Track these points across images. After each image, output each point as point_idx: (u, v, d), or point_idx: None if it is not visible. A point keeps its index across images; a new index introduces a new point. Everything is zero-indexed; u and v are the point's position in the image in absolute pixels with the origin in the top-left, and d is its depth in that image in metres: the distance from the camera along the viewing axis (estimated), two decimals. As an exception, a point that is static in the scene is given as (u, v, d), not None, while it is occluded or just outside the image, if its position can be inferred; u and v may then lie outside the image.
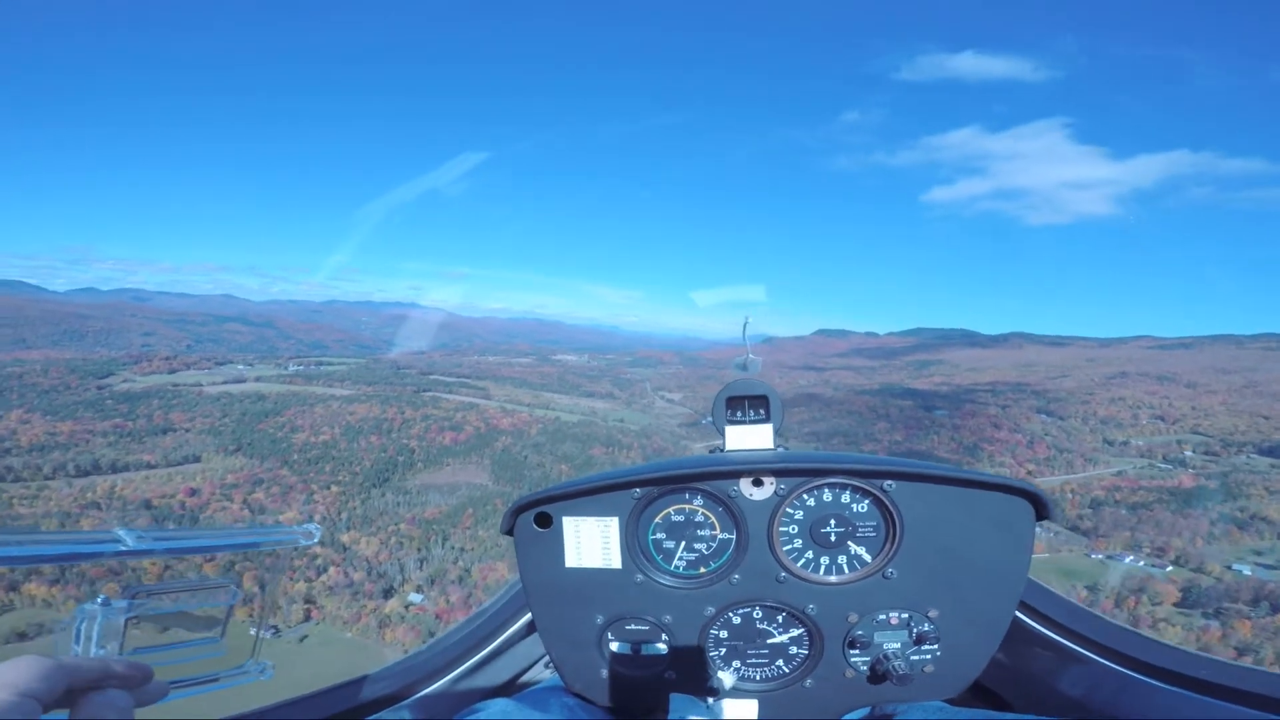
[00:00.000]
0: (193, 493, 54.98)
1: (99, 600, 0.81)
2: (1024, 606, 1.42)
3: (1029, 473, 53.63)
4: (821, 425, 72.49)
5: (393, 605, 40.92)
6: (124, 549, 0.79)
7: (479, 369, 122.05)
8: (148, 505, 50.79)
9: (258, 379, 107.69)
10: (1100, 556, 40.67)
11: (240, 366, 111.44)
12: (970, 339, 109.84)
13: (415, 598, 43.33)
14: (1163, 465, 55.99)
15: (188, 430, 76.79)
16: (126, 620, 0.83)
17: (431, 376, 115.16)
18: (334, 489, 61.42)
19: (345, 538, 50.09)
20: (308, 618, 39.92)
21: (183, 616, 0.93)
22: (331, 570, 44.93)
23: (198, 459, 67.83)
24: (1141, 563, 39.11)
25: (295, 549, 1.02)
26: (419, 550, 49.55)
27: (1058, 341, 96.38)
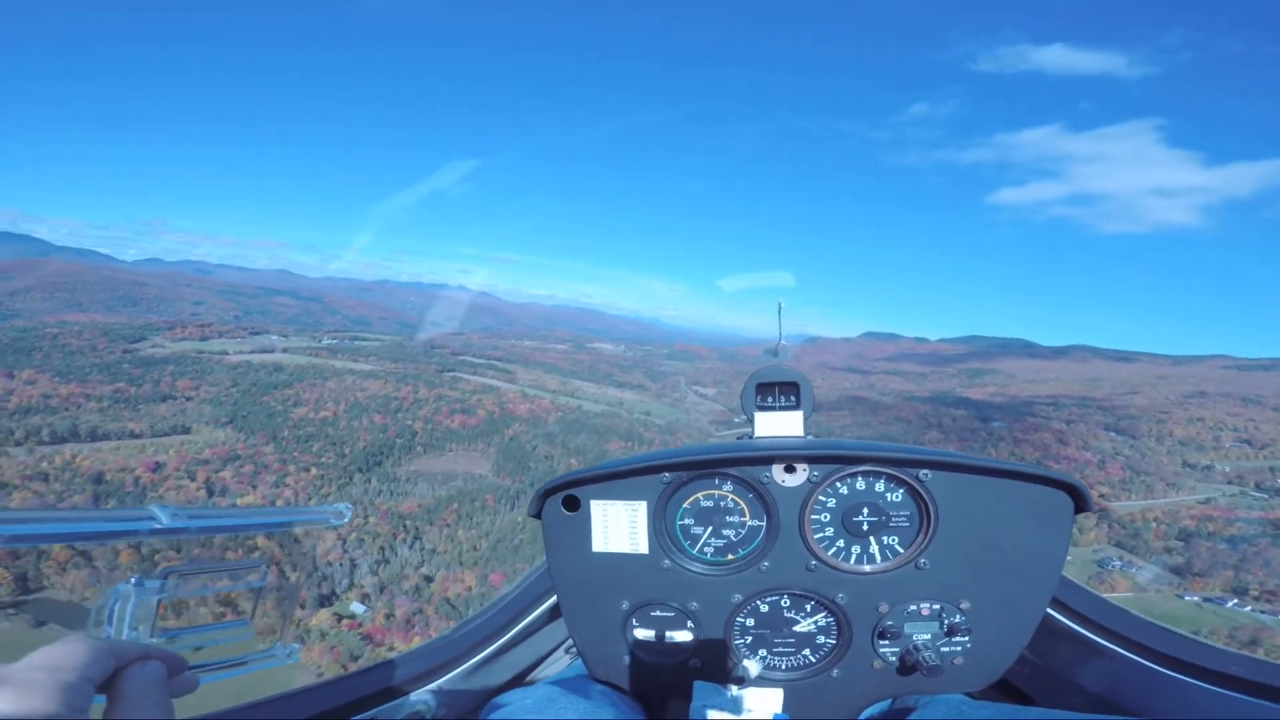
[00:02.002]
0: (155, 468, 50.11)
1: (132, 581, 0.81)
2: (1051, 600, 1.38)
3: (1102, 495, 48.88)
4: (867, 430, 67.82)
5: (322, 617, 33.76)
6: (159, 527, 0.80)
7: (512, 352, 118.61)
8: (98, 480, 45.95)
9: (285, 350, 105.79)
10: (1196, 599, 34.62)
11: (274, 337, 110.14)
12: (1028, 349, 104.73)
13: (357, 608, 36.17)
14: (1256, 494, 49.95)
15: (189, 399, 73.59)
16: (159, 602, 0.83)
17: (461, 357, 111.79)
18: (312, 471, 55.64)
19: (300, 529, 44.03)
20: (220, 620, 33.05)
21: (214, 598, 0.94)
22: (270, 569, 38.93)
23: (187, 430, 63.95)
24: (1249, 608, 33.27)
25: (327, 528, 1.04)
26: (381, 550, 42.93)
27: (1124, 356, 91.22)
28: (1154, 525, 42.81)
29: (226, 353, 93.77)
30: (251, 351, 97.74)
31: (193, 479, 49.38)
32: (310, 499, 50.45)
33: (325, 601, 36.54)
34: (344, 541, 43.89)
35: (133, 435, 59.38)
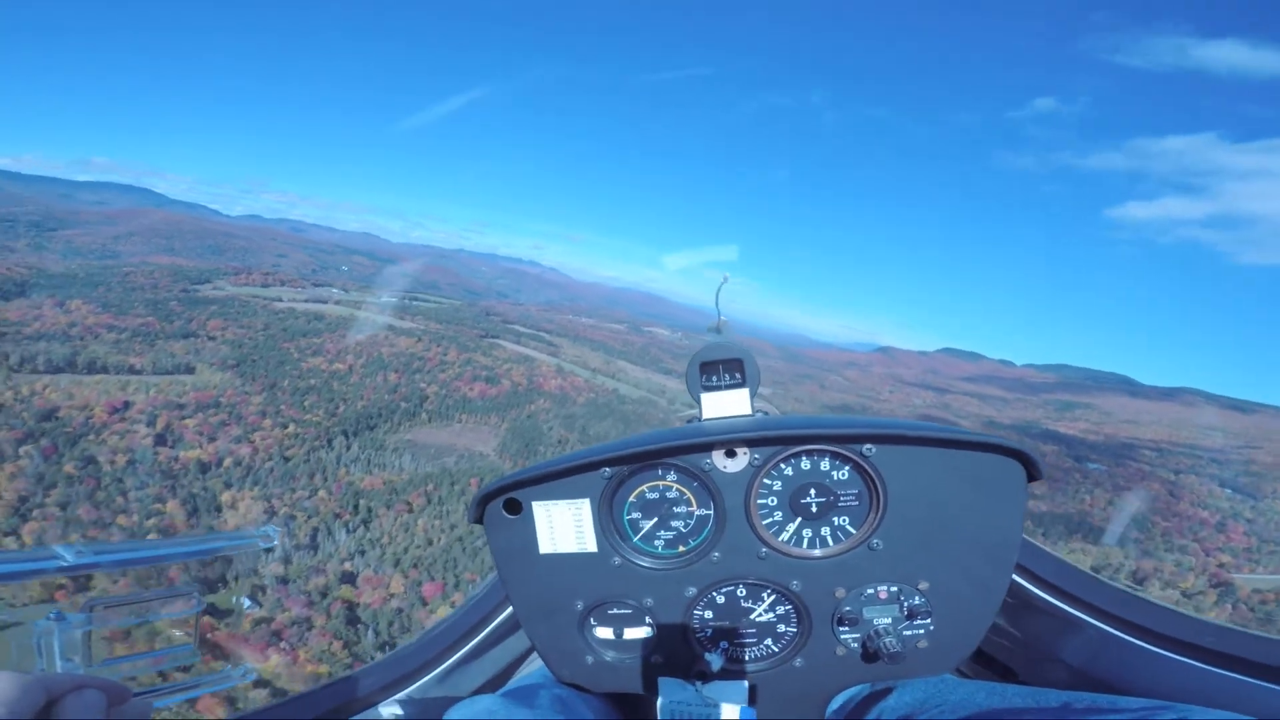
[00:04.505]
0: (118, 409, 45.74)
1: (52, 615, 0.80)
2: (1022, 570, 1.39)
3: (1222, 565, 41.88)
4: None
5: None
6: (64, 565, 0.79)
7: (566, 327, 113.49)
8: (48, 416, 41.81)
9: (338, 302, 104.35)
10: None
11: (334, 290, 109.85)
12: (1129, 386, 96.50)
13: (246, 602, 28.88)
14: None
15: (211, 339, 71.07)
16: (85, 634, 0.82)
17: (511, 325, 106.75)
18: (289, 429, 49.92)
19: (226, 495, 37.78)
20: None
21: (148, 626, 0.94)
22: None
23: (191, 370, 60.65)
24: None
25: (255, 553, 0.92)
26: (313, 531, 35.99)
27: (1242, 406, 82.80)
28: (1293, 609, 35.59)
29: (280, 300, 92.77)
30: (305, 301, 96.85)
31: (152, 425, 44.68)
32: (266, 461, 44.62)
33: (213, 586, 29.44)
34: (272, 515, 37.44)
35: (131, 370, 56.40)
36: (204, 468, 40.96)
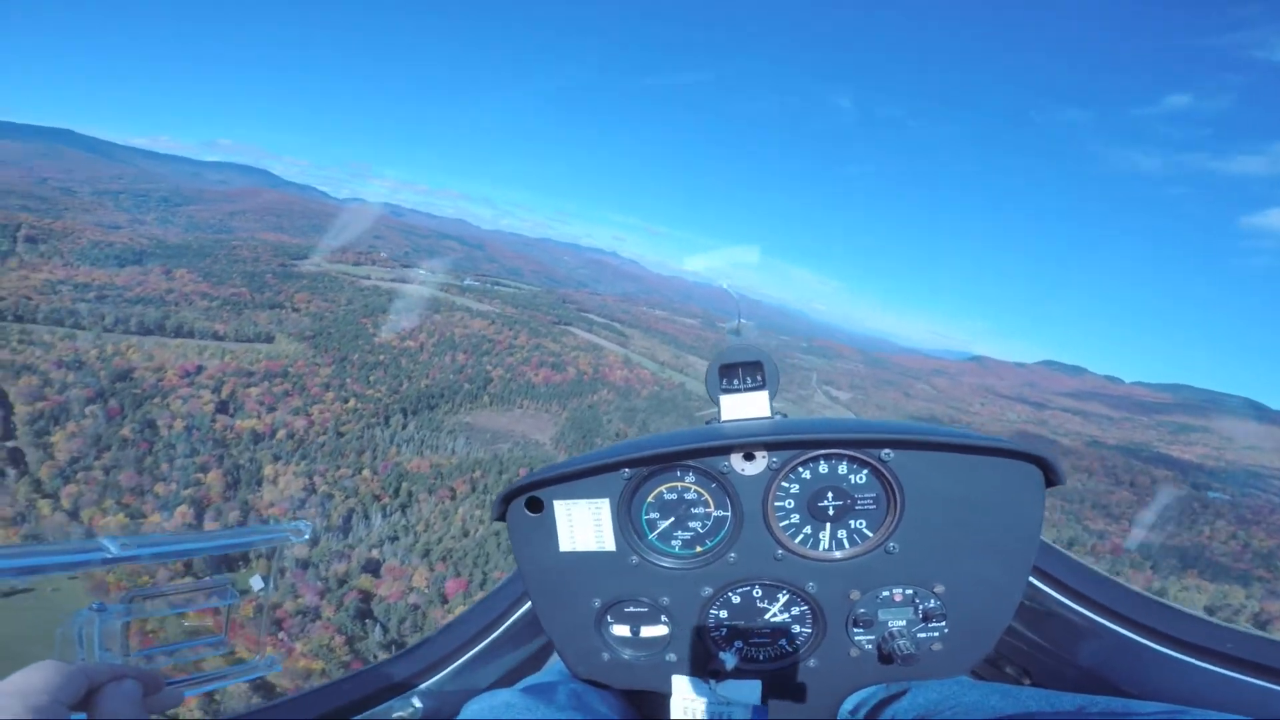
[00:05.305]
0: (190, 373, 46.19)
1: (94, 606, 0.83)
2: (1039, 573, 1.39)
3: None
4: None
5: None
6: (108, 557, 0.81)
7: (637, 318, 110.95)
8: (123, 376, 42.55)
9: (421, 283, 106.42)
10: None
11: (421, 271, 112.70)
12: (1255, 410, 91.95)
13: (258, 583, 26.77)
14: None
15: (296, 310, 72.99)
16: (124, 624, 0.86)
17: (585, 314, 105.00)
18: (350, 403, 48.99)
19: (270, 469, 36.43)
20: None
21: (183, 617, 0.99)
22: (179, 512, 31.48)
23: (271, 339, 61.99)
24: None
25: (287, 545, 1.07)
26: (348, 514, 33.87)
27: None
28: None
29: (368, 278, 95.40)
30: (391, 280, 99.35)
31: (217, 392, 44.73)
32: (322, 434, 43.51)
33: (233, 565, 27.52)
34: (311, 493, 35.76)
35: (215, 336, 58.04)
36: (257, 438, 40.43)
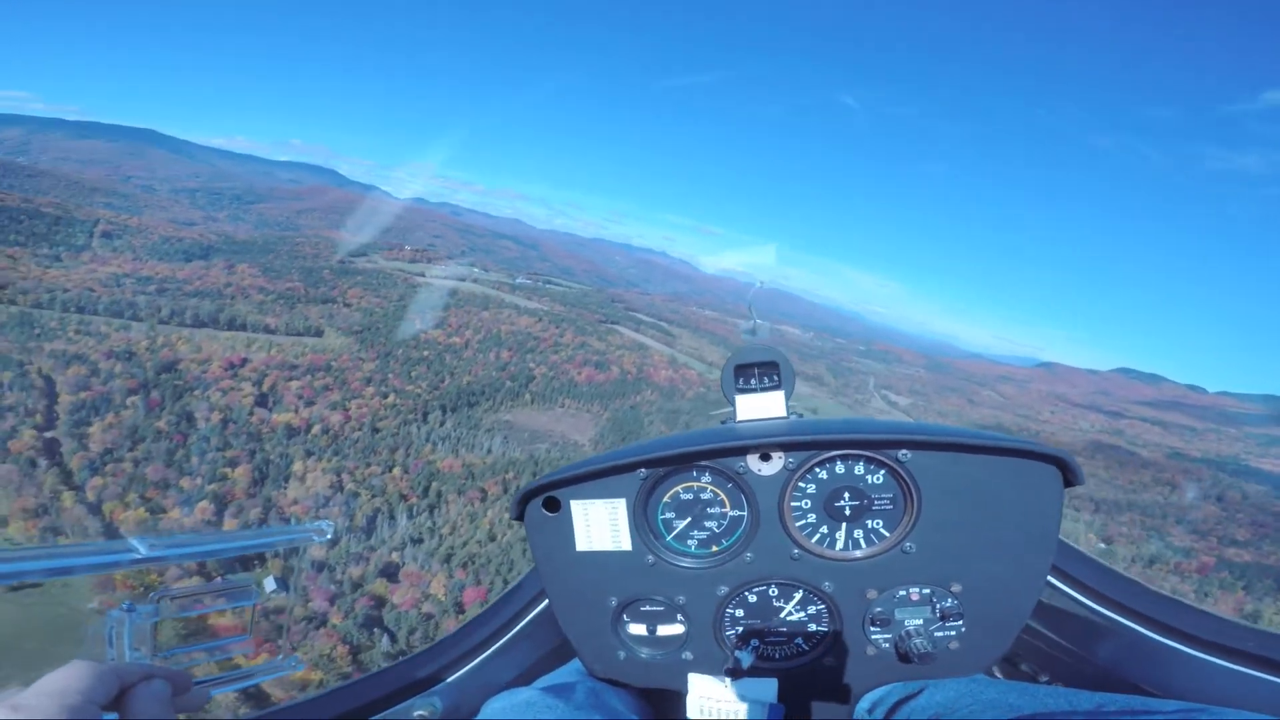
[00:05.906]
0: (235, 364, 46.14)
1: (124, 606, 0.85)
2: (1057, 572, 1.40)
3: None
4: (1107, 491, 53.06)
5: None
6: (138, 557, 0.83)
7: (686, 317, 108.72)
8: (169, 368, 42.72)
9: (475, 280, 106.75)
10: None
11: (475, 269, 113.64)
12: None
13: (271, 584, 25.84)
14: None
15: (348, 305, 73.52)
16: (153, 625, 0.87)
17: (634, 313, 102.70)
18: (390, 398, 47.93)
19: (299, 465, 35.25)
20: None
21: (209, 617, 1.01)
22: (199, 508, 30.47)
23: (320, 333, 62.25)
24: None
25: (308, 546, 1.07)
26: (373, 514, 32.19)
27: None
28: None
29: (423, 275, 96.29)
30: (443, 277, 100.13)
31: (258, 385, 44.42)
32: (358, 429, 42.40)
33: (248, 564, 26.10)
34: (338, 490, 34.36)
35: (266, 330, 58.54)
36: (291, 432, 39.66)
